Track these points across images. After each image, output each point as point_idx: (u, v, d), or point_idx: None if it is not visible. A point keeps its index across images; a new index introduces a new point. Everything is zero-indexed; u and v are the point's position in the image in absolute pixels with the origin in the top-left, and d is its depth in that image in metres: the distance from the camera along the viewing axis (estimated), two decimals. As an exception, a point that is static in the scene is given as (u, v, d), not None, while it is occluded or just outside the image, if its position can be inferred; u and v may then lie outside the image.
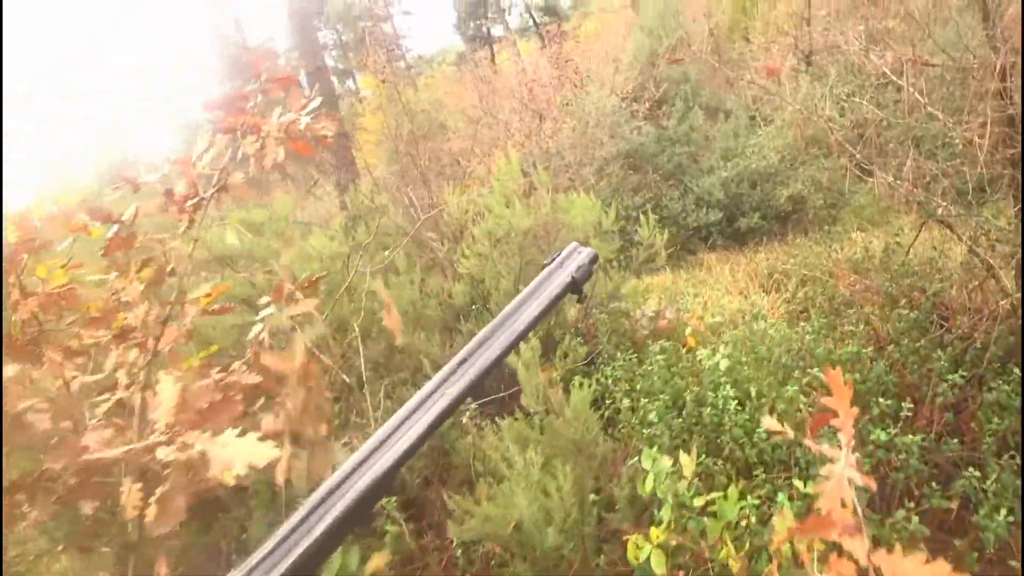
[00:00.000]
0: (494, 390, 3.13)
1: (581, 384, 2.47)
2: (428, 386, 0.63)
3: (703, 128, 9.37)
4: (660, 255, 4.85)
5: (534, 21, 27.81)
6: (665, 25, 14.71)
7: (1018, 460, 2.23)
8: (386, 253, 4.79)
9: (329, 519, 0.52)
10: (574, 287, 0.74)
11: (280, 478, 0.82)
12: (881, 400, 2.53)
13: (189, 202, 1.07)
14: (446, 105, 17.19)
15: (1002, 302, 3.21)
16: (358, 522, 0.54)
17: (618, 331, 3.99)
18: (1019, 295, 3.10)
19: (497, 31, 29.08)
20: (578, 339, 3.78)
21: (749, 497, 1.83)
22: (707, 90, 12.35)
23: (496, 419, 2.54)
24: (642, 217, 4.49)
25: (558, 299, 0.73)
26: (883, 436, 2.27)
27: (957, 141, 3.64)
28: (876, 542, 0.50)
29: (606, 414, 3.18)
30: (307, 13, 12.23)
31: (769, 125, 8.15)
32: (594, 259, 0.77)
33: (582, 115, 8.89)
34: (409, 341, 3.97)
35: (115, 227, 1.06)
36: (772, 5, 16.30)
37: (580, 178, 8.45)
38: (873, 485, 0.56)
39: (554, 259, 0.76)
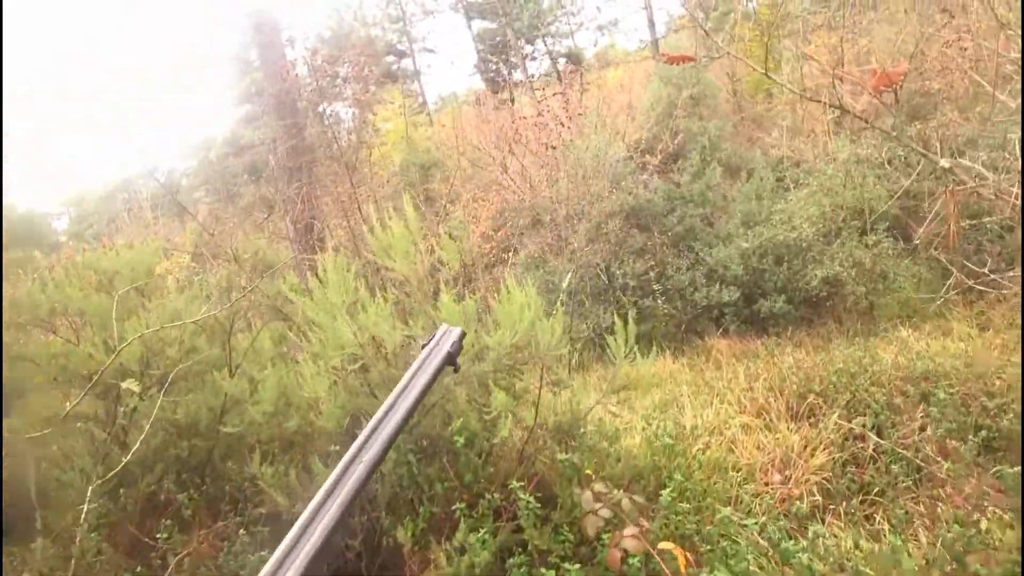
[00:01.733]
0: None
1: None
2: (347, 456, 0.69)
3: (721, 187, 8.03)
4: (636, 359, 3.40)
5: (556, 68, 27.27)
6: (685, 75, 13.68)
7: None
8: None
9: None
10: (451, 361, 0.87)
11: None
12: None
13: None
14: (447, 144, 16.22)
15: None
16: None
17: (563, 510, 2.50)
18: None
19: (518, 75, 28.61)
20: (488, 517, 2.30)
21: None
22: (728, 146, 11.14)
23: None
24: (617, 321, 3.04)
25: (440, 370, 0.85)
26: None
27: None
28: None
29: None
30: (273, 27, 11.29)
31: (800, 189, 6.77)
32: (463, 335, 0.90)
33: (577, 162, 7.58)
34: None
35: None
36: (799, 64, 15.35)
37: (567, 238, 7.08)
38: None
39: (431, 340, 0.89)
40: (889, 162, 8.40)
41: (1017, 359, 4.63)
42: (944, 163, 2.55)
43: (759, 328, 6.72)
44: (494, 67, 28.98)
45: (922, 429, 3.40)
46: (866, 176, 6.77)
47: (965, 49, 9.36)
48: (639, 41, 26.32)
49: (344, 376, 2.77)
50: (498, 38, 27.91)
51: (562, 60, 27.83)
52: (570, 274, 6.02)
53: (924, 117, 9.56)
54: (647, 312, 7.28)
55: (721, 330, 6.69)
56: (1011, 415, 3.38)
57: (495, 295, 3.18)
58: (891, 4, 12.38)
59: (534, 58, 28.59)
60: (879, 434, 3.44)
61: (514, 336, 2.58)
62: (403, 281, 3.01)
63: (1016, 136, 6.19)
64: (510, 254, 9.11)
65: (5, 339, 3.09)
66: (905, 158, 8.33)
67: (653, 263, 7.40)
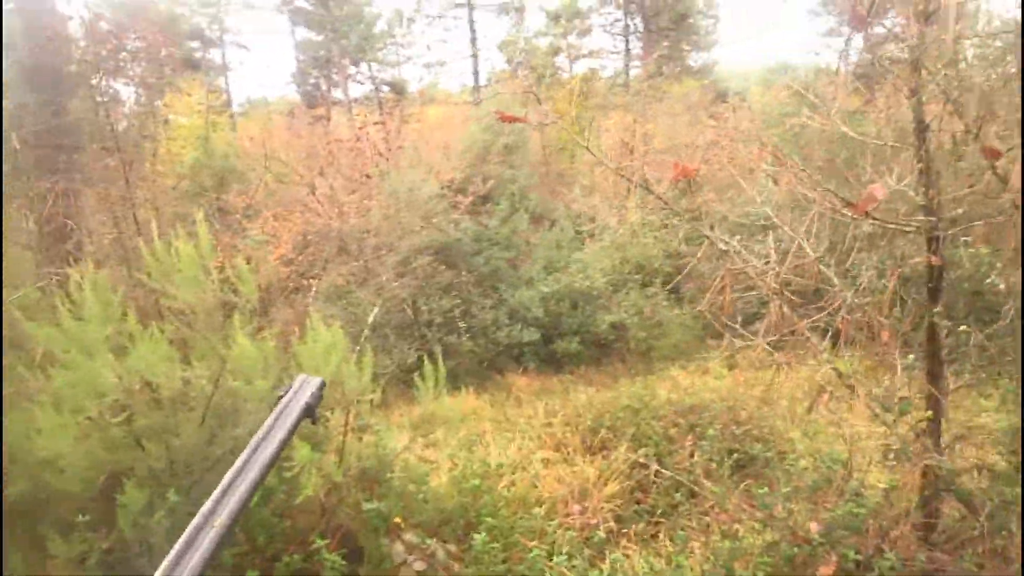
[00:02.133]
0: None
1: None
2: (195, 521, 0.62)
3: (527, 233, 8.51)
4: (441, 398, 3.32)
5: (378, 94, 26.92)
6: (502, 125, 14.51)
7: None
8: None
9: None
10: (309, 412, 0.81)
11: None
12: None
13: None
14: (249, 153, 14.78)
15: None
16: None
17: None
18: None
19: (337, 95, 27.56)
20: None
21: None
22: (535, 196, 11.96)
23: None
24: (426, 361, 2.91)
25: (298, 423, 0.79)
26: None
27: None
28: None
29: None
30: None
31: (595, 243, 7.48)
32: (323, 385, 0.85)
33: (391, 194, 7.40)
34: None
35: None
36: (599, 134, 17.35)
37: (373, 269, 6.79)
38: None
39: (288, 390, 0.83)
40: (665, 227, 9.81)
41: (756, 394, 5.58)
42: (723, 246, 3.00)
43: (555, 366, 7.14)
44: (313, 81, 27.58)
45: (691, 455, 3.83)
46: (647, 237, 7.77)
47: (723, 148, 11.62)
48: (462, 85, 27.44)
49: (103, 427, 2.13)
50: (322, 52, 26.70)
51: (385, 88, 27.62)
52: (376, 308, 5.73)
53: (692, 193, 11.52)
54: (451, 349, 7.27)
55: (522, 368, 6.94)
56: (753, 440, 4.05)
57: (295, 330, 2.83)
58: (673, 104, 14.85)
59: (358, 80, 27.91)
60: (659, 462, 3.79)
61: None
62: (185, 311, 2.49)
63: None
64: (312, 281, 8.45)
65: None
66: (674, 226, 9.82)
67: (459, 300, 7.46)
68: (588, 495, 3.58)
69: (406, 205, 7.49)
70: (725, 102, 14.86)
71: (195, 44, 26.13)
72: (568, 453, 4.20)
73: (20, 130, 11.35)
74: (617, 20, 25.07)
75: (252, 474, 0.68)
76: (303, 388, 0.83)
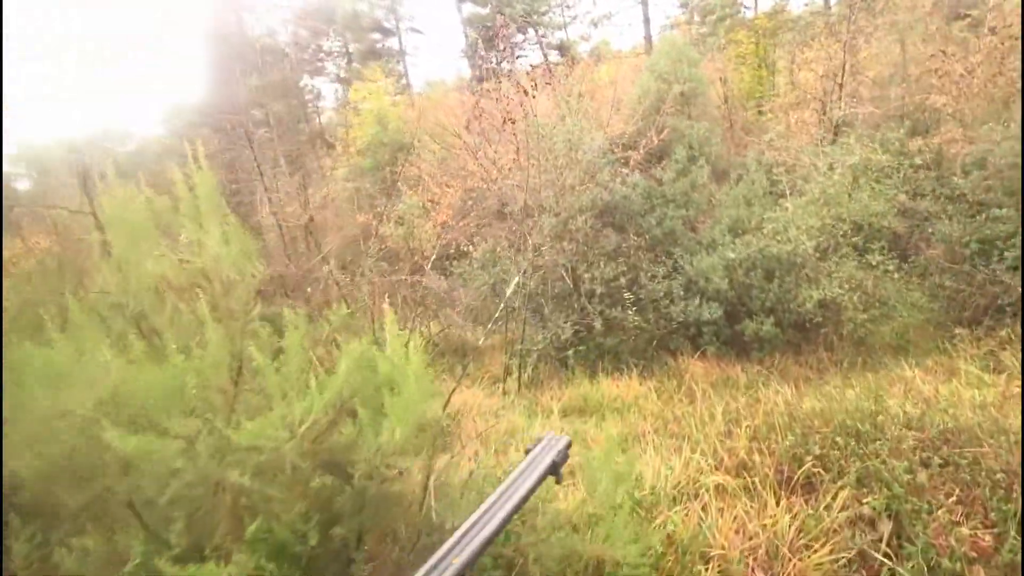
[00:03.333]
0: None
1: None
2: (435, 556, 0.67)
3: (708, 189, 7.14)
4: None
5: (545, 59, 26.26)
6: (677, 71, 12.81)
7: None
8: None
9: None
10: (554, 470, 0.86)
11: None
12: None
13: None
14: (420, 126, 15.19)
15: None
16: None
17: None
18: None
19: (506, 65, 27.48)
20: None
21: None
22: (717, 149, 10.30)
23: None
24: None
25: (543, 479, 0.83)
26: None
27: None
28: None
29: None
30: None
31: (798, 197, 5.91)
32: (569, 444, 0.89)
33: (546, 146, 6.60)
34: None
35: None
36: (793, 72, 14.63)
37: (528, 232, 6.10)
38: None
39: (536, 446, 0.88)
40: (889, 176, 7.61)
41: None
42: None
43: (740, 351, 5.85)
44: (482, 54, 27.80)
45: (956, 521, 2.51)
46: (867, 188, 5.96)
47: (972, 72, 8.72)
48: (633, 44, 25.43)
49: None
50: (488, 24, 26.77)
51: (553, 52, 26.83)
52: (518, 276, 5.06)
53: (925, 133, 8.91)
54: (616, 324, 6.37)
55: (698, 352, 5.80)
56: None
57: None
58: (897, 14, 11.59)
59: (523, 50, 27.52)
60: (898, 524, 2.55)
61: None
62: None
63: None
64: (471, 247, 8.13)
65: None
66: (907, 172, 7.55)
67: (626, 268, 6.48)
68: (781, 559, 2.47)
69: (565, 161, 6.65)
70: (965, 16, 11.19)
71: (376, 35, 27.92)
72: (754, 484, 3.05)
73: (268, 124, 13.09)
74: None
75: (495, 520, 0.72)
76: (551, 445, 0.87)
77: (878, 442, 3.10)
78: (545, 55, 26.93)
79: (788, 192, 5.93)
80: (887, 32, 11.44)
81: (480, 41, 27.70)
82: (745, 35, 19.04)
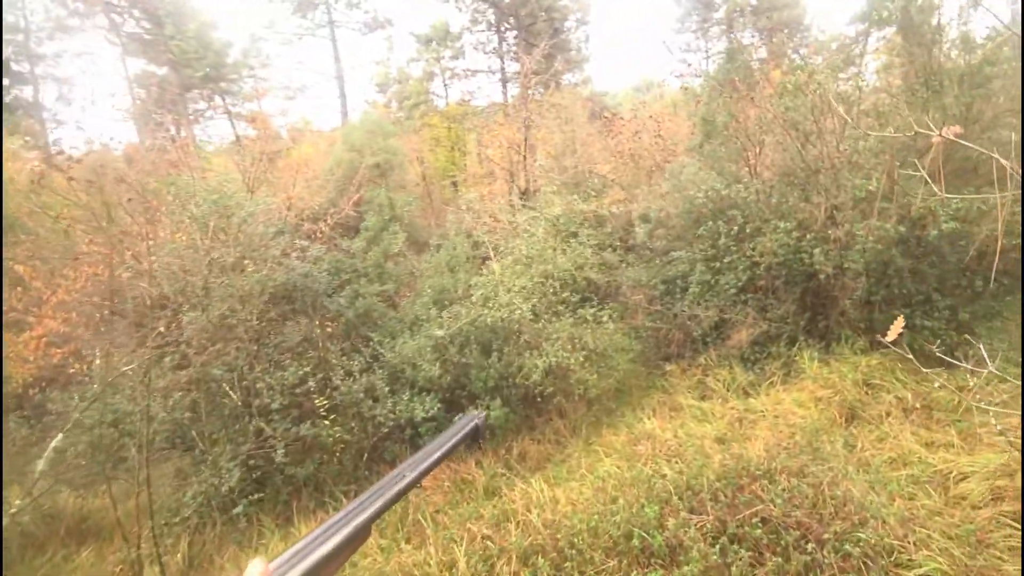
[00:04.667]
0: None
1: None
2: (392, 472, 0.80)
3: (407, 259, 6.15)
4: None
5: (234, 128, 23.51)
6: (372, 143, 12.12)
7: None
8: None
9: None
10: (476, 433, 0.98)
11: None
12: None
13: None
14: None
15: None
16: None
17: None
18: None
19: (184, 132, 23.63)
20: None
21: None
22: (415, 215, 9.71)
23: None
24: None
25: (466, 436, 0.96)
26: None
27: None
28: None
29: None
30: None
31: (504, 257, 5.28)
32: (485, 417, 1.08)
33: (188, 212, 4.78)
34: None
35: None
36: (481, 152, 15.52)
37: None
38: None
39: (462, 416, 1.01)
40: (575, 234, 7.92)
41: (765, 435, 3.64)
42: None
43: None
44: (157, 119, 23.53)
45: None
46: (570, 242, 5.78)
47: (621, 151, 10.24)
48: (332, 127, 24.66)
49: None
50: (164, 86, 22.79)
51: (243, 124, 24.16)
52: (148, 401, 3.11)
53: (597, 196, 10.06)
54: (309, 443, 4.69)
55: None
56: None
57: None
58: (558, 112, 13.23)
59: (209, 116, 24.24)
60: None
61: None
62: None
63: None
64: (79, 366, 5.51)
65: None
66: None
67: (310, 367, 4.89)
68: None
69: (215, 233, 4.89)
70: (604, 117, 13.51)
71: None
72: None
73: None
74: (490, 39, 23.78)
75: (420, 469, 0.81)
76: (471, 417, 0.98)
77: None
78: (233, 124, 24.16)
79: (493, 254, 5.27)
80: (555, 117, 12.88)
81: (156, 105, 23.37)
82: (439, 120, 20.02)
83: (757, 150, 5.92)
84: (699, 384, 5.38)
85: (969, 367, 1.93)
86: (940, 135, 1.39)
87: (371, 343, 5.08)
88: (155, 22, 21.88)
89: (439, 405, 4.44)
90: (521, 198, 9.45)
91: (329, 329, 5.50)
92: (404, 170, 13.41)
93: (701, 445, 4.11)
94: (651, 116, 10.20)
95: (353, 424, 4.85)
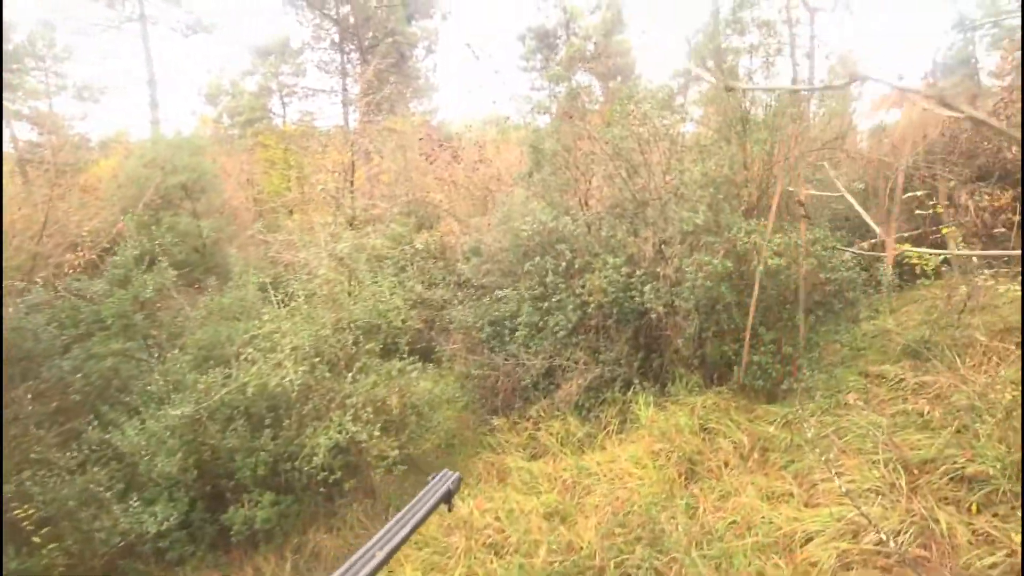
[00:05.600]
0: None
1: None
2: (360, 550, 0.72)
3: (179, 303, 4.81)
4: None
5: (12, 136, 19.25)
6: (175, 159, 10.19)
7: None
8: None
9: None
10: (448, 497, 0.92)
11: None
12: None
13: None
14: None
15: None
16: None
17: None
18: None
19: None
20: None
21: None
22: (223, 244, 8.23)
23: None
24: None
25: (437, 505, 0.90)
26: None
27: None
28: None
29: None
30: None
31: (293, 301, 4.21)
32: (459, 480, 0.96)
33: None
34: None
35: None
36: (311, 175, 14.39)
37: None
38: None
39: (435, 477, 0.95)
40: (404, 268, 7.16)
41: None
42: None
43: (231, 552, 3.61)
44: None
45: None
46: (389, 281, 4.92)
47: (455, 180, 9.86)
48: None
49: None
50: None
51: (27, 127, 19.89)
52: None
53: (430, 227, 9.56)
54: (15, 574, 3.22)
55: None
56: None
57: None
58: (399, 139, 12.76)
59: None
60: None
61: None
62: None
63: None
64: None
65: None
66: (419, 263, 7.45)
67: (15, 461, 3.44)
68: None
69: None
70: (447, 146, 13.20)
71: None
72: None
73: None
74: (333, 59, 22.42)
75: (393, 542, 0.75)
76: (444, 478, 0.93)
77: None
78: (8, 123, 19.82)
79: (274, 299, 4.19)
80: (395, 144, 12.17)
81: None
82: (274, 139, 18.19)
83: (588, 181, 5.61)
84: (530, 440, 4.77)
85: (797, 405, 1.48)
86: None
87: (104, 424, 3.74)
88: None
89: (180, 509, 3.25)
90: (350, 226, 8.45)
91: (55, 404, 4.03)
92: (219, 193, 11.62)
93: (528, 527, 3.44)
94: (476, 143, 9.90)
95: (71, 541, 3.46)
